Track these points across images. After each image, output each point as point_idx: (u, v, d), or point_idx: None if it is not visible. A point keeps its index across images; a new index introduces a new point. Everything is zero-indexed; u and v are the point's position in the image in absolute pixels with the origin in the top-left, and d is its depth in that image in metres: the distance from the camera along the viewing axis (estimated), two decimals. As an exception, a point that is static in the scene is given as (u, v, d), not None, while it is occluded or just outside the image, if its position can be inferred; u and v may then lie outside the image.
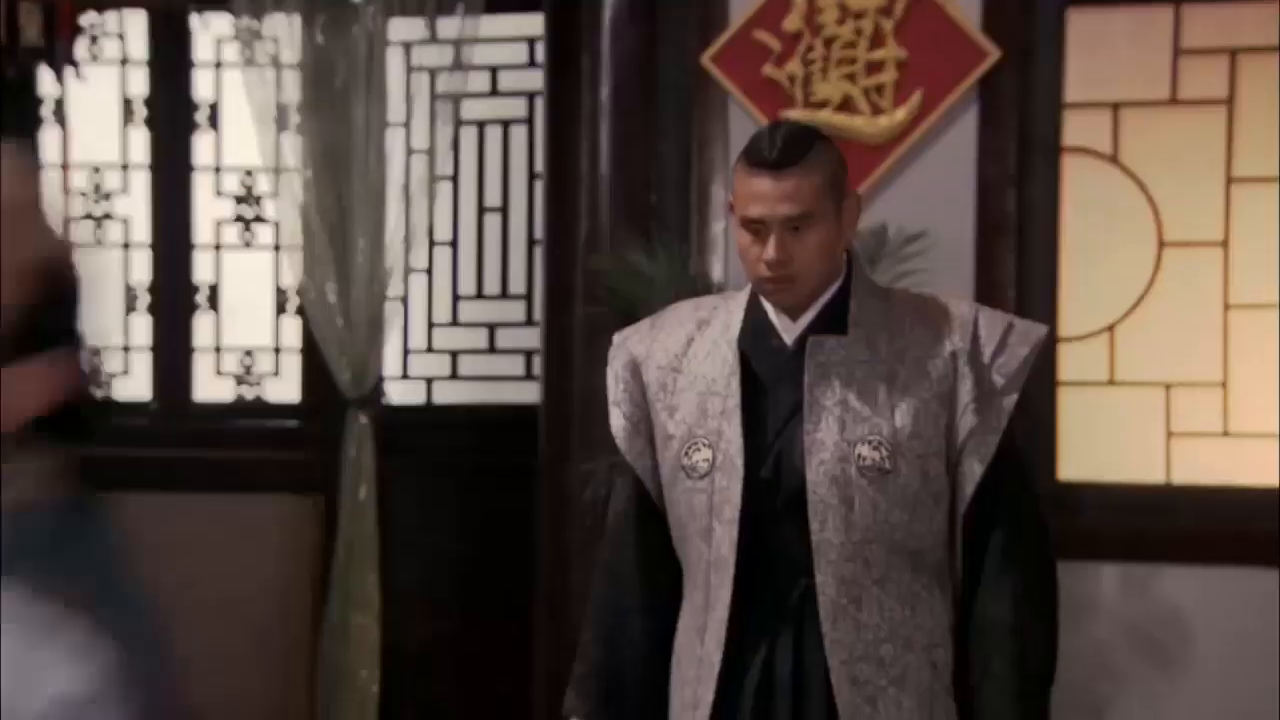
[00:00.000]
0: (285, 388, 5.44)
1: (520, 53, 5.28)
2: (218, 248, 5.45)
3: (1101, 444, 4.70)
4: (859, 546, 2.60)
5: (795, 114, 4.58)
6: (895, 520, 2.61)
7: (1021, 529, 2.72)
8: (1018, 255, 4.61)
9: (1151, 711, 4.55)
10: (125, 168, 5.47)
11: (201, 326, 5.46)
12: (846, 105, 4.59)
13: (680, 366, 2.77)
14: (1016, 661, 2.64)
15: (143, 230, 5.45)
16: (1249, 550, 4.56)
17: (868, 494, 2.61)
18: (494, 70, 5.27)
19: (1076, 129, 4.69)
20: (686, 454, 2.70)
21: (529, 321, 5.26)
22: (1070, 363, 4.71)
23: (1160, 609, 4.57)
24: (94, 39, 5.41)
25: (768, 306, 2.74)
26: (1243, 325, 4.65)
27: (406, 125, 5.18)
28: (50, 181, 5.38)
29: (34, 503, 2.96)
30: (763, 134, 2.69)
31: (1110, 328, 4.70)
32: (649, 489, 2.78)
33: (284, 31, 5.04)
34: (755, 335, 2.73)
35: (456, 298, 5.38)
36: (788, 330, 2.72)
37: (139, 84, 5.45)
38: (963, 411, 2.69)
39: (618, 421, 2.82)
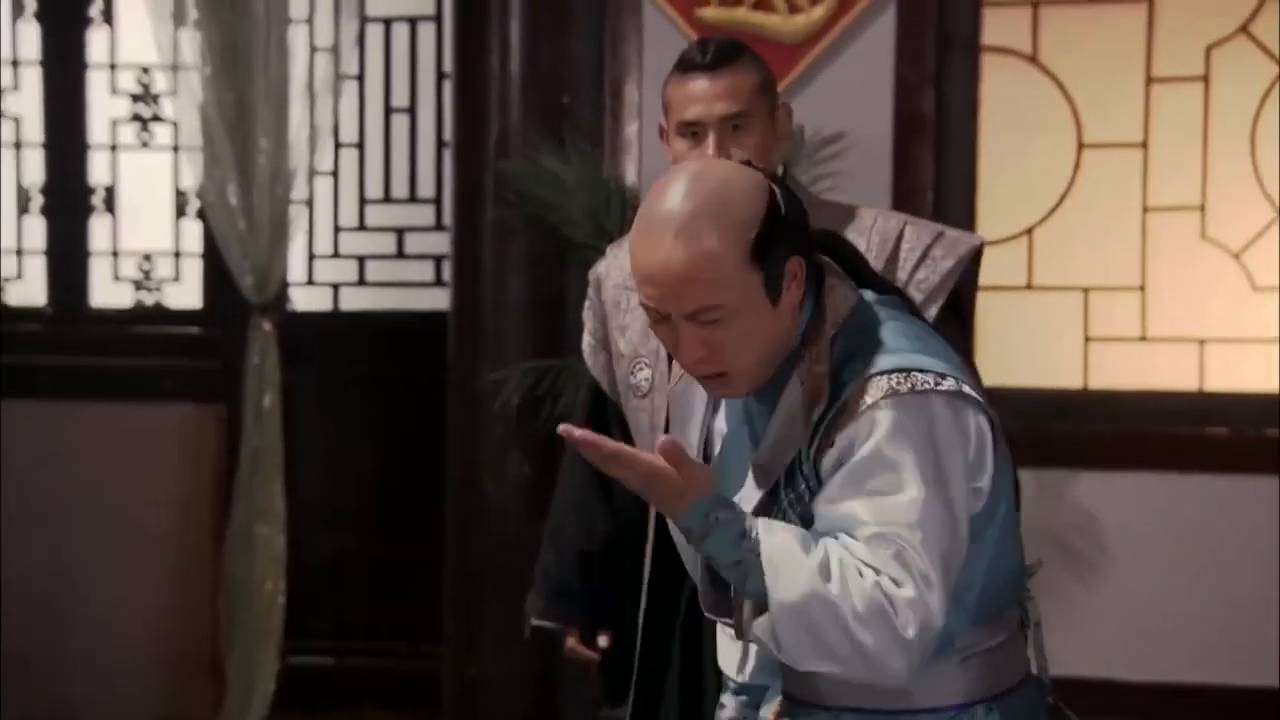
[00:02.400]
0: (186, 293, 5.33)
1: (427, -54, 5.17)
2: (114, 148, 5.33)
3: (1019, 348, 4.67)
4: None
5: (710, 12, 4.53)
6: None
7: None
8: (936, 157, 4.56)
9: (1065, 617, 4.55)
10: (16, 64, 5.31)
11: (98, 229, 5.35)
12: (762, 3, 4.52)
13: (633, 285, 2.76)
14: None
15: (35, 129, 5.32)
16: (1165, 455, 4.57)
17: None
18: (400, -36, 5.17)
19: (995, 28, 4.64)
20: (632, 372, 2.79)
21: (438, 226, 5.16)
22: (988, 267, 4.56)
23: (1076, 514, 4.56)
24: (-20, -71, 5.25)
25: None
26: (1161, 228, 4.63)
27: (309, 21, 5.07)
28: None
29: None
30: (692, 46, 2.81)
31: (1029, 231, 4.67)
32: (615, 402, 2.88)
33: (179, -79, 4.90)
34: None
35: (363, 201, 5.28)
36: None
37: (29, -24, 5.30)
38: None
39: (585, 337, 2.94)
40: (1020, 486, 2.76)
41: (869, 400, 2.01)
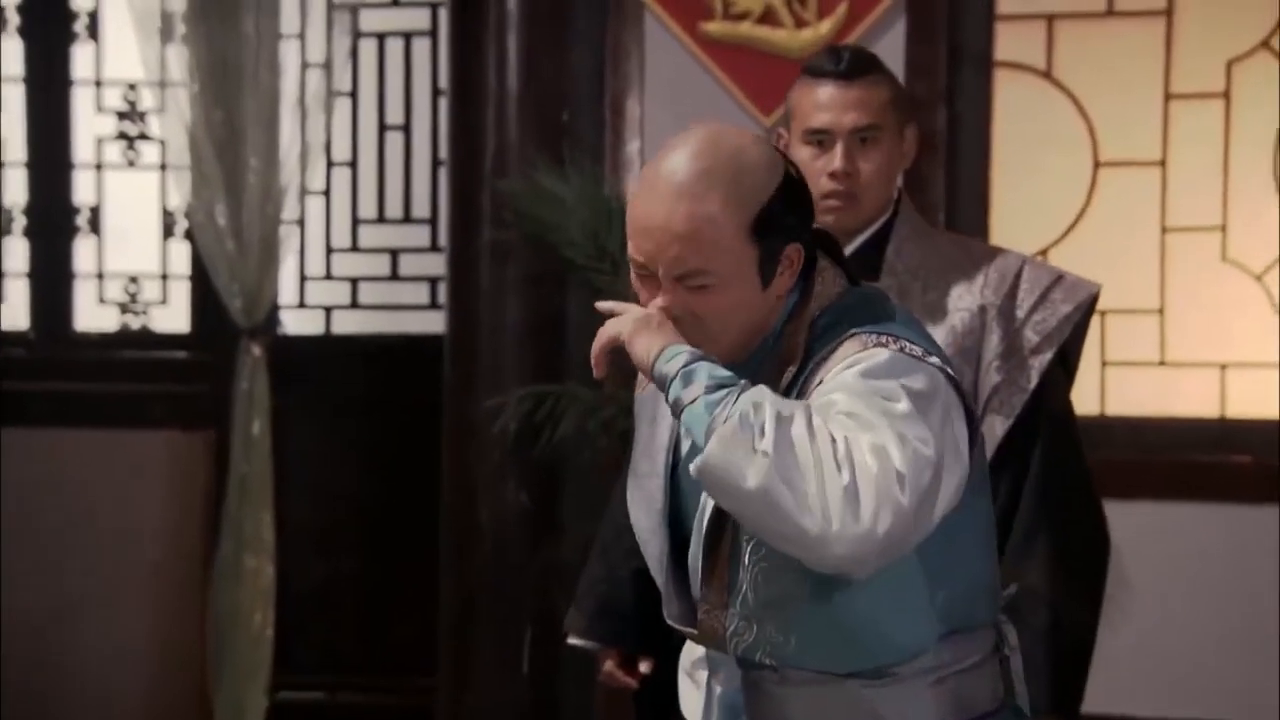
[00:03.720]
0: (173, 316, 5.29)
1: (422, -41, 5.15)
2: (99, 167, 5.29)
3: (1034, 374, 4.60)
4: None
5: (714, 26, 4.49)
6: None
7: (1060, 494, 2.70)
8: (947, 175, 4.50)
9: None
10: (-2, 81, 5.29)
11: (83, 251, 5.30)
12: (768, 17, 4.49)
13: None
14: (1046, 631, 2.59)
15: (18, 148, 5.28)
16: (1186, 484, 4.50)
17: None
18: (395, -22, 5.15)
19: (1009, 42, 4.58)
20: None
21: (433, 247, 5.12)
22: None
23: (1093, 545, 4.48)
24: (-39, -57, 5.23)
25: None
26: (1180, 249, 4.55)
27: (301, 36, 5.05)
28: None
29: None
30: (825, 52, 2.79)
31: (1044, 252, 4.60)
32: None
33: (166, -66, 4.90)
34: None
35: (356, 221, 5.22)
36: None
37: (12, -10, 5.29)
38: (986, 368, 2.70)
39: None
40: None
41: (852, 348, 1.96)
